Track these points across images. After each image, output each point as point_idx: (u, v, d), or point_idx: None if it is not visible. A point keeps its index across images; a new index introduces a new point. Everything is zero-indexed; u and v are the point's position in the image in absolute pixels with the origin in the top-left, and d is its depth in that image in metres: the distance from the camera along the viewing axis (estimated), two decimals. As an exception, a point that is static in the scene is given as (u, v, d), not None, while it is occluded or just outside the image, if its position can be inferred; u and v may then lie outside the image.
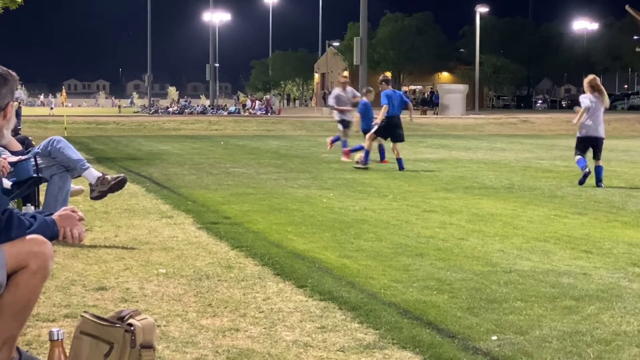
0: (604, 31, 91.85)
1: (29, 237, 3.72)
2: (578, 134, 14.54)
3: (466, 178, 15.21)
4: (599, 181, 13.82)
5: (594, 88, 14.44)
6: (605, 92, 14.61)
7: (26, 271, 3.66)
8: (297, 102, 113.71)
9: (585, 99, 14.28)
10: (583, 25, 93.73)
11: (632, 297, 5.88)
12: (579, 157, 14.19)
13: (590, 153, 14.12)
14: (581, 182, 13.81)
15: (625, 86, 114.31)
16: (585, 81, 14.72)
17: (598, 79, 14.99)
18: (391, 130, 17.62)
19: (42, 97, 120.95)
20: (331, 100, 20.89)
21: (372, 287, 6.15)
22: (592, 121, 14.22)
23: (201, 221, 9.35)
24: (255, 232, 8.73)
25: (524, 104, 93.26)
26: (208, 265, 6.93)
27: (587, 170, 13.81)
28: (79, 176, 8.10)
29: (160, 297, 5.84)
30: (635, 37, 70.03)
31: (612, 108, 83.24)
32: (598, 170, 13.98)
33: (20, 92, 32.94)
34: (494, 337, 4.85)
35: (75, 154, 8.00)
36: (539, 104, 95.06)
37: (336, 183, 14.03)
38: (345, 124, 20.31)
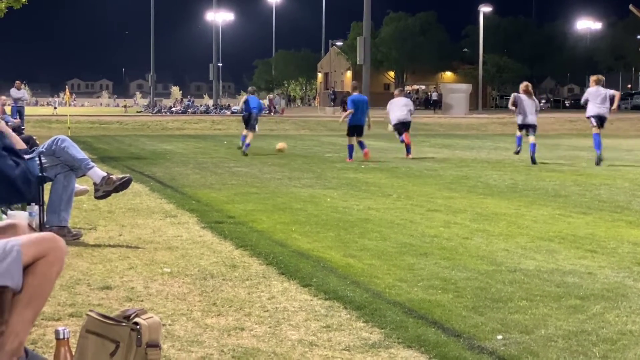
0: (607, 31, 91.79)
1: (45, 233, 3.80)
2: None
3: (470, 177, 15.20)
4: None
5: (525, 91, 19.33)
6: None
7: (44, 261, 3.68)
8: (298, 102, 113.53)
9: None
10: (586, 24, 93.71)
11: (637, 297, 5.87)
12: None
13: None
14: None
15: (629, 86, 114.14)
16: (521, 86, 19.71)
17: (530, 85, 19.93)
18: (356, 129, 19.84)
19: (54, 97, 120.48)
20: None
21: (377, 286, 6.15)
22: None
23: (205, 220, 9.36)
24: (259, 231, 8.73)
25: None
26: (212, 265, 6.93)
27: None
28: (83, 175, 8.10)
29: (165, 296, 5.83)
30: (638, 37, 69.99)
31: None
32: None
33: (24, 92, 32.89)
34: (500, 337, 4.84)
35: (79, 153, 8.00)
36: (542, 104, 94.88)
37: (340, 182, 14.03)
38: None
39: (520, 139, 19.50)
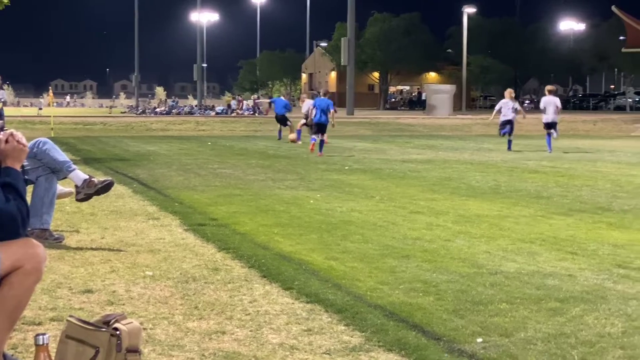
0: (590, 32, 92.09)
1: (23, 239, 3.76)
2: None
3: (453, 179, 15.25)
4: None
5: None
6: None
7: (21, 271, 3.67)
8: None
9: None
10: (570, 25, 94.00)
11: (616, 299, 5.91)
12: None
13: None
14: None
15: (612, 86, 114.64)
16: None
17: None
18: (320, 127, 22.55)
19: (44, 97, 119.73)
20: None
21: (359, 289, 6.17)
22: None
23: (188, 223, 9.35)
24: (242, 233, 8.74)
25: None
26: (195, 268, 6.94)
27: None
28: (65, 178, 8.08)
29: (146, 299, 5.84)
30: (621, 38, 70.16)
31: (598, 108, 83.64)
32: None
33: (3, 93, 32.68)
34: (480, 340, 4.87)
35: (61, 155, 7.99)
36: (526, 104, 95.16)
37: (323, 184, 14.05)
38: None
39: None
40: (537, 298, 5.91)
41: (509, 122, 24.56)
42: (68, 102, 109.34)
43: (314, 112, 22.90)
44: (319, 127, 22.50)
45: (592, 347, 4.75)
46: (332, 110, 22.77)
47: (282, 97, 33.08)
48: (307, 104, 28.80)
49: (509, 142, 24.97)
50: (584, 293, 6.08)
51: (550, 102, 24.12)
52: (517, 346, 4.75)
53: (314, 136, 22.58)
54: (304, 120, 29.13)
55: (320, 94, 24.43)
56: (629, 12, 47.30)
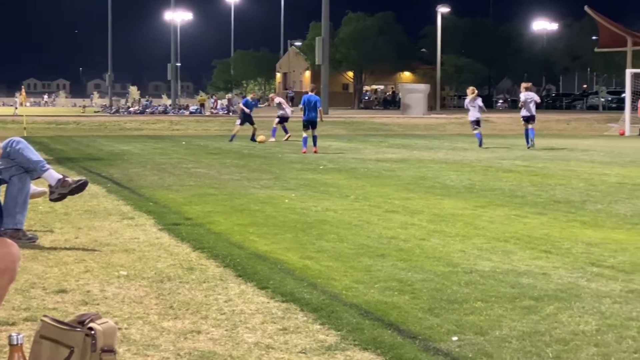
0: (563, 31, 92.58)
1: None
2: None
3: (428, 178, 15.28)
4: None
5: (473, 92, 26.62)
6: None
7: None
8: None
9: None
10: (543, 25, 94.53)
11: (590, 297, 5.94)
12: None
13: None
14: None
15: (585, 86, 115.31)
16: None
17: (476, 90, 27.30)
18: (309, 124, 23.10)
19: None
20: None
21: (334, 288, 6.17)
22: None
23: (163, 222, 9.32)
24: (217, 233, 8.72)
25: (485, 103, 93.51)
26: (169, 267, 6.91)
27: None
28: (39, 177, 8.03)
29: (121, 299, 5.81)
30: (594, 38, 70.59)
31: (571, 107, 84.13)
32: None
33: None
34: (455, 338, 4.88)
35: (34, 155, 7.94)
36: (499, 104, 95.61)
37: (298, 183, 14.04)
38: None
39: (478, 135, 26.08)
40: (512, 296, 5.93)
41: (478, 122, 26.53)
42: (46, 102, 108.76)
43: (286, 109, 24.58)
44: (309, 124, 22.97)
45: (566, 345, 4.77)
46: (320, 107, 23.40)
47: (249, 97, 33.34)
48: (277, 101, 30.89)
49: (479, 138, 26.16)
50: (558, 291, 6.11)
51: (529, 97, 25.61)
52: (492, 344, 4.77)
53: (304, 135, 22.96)
54: (278, 119, 30.27)
55: (309, 90, 24.75)
56: (601, 12, 47.63)
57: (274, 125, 30.17)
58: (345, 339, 4.87)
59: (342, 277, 6.57)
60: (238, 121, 30.50)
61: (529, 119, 25.61)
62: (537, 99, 26.13)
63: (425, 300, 5.81)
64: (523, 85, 26.64)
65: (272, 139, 28.85)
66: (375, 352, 4.64)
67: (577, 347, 4.75)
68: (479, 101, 26.74)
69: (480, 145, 25.65)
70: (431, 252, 7.72)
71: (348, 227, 9.16)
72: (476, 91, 27.37)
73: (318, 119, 23.36)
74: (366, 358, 4.57)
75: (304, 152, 22.36)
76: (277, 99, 31.49)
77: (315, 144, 22.91)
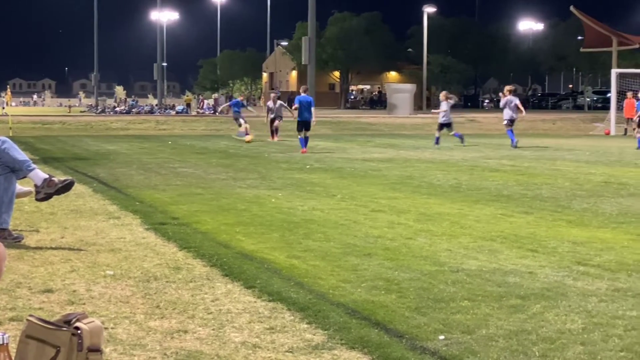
0: (549, 31, 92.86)
1: None
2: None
3: (414, 177, 15.30)
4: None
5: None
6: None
7: None
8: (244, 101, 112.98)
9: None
10: (529, 25, 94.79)
11: (576, 296, 5.96)
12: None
13: None
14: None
15: (570, 85, 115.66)
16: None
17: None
18: (303, 125, 23.16)
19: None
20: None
21: (321, 287, 6.17)
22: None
23: (149, 222, 9.30)
24: (203, 232, 8.71)
25: (472, 103, 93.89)
26: (156, 267, 6.90)
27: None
28: (24, 177, 8.00)
29: (107, 299, 5.79)
30: (579, 38, 70.79)
31: (557, 107, 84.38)
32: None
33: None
34: (442, 337, 4.89)
35: (20, 154, 7.91)
36: (486, 104, 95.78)
37: (285, 183, 14.04)
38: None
39: (438, 138, 26.82)
40: (499, 295, 5.94)
41: (446, 124, 27.17)
42: (35, 102, 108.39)
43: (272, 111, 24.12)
44: (303, 125, 23.04)
45: (552, 344, 4.78)
46: (313, 108, 23.37)
47: (239, 98, 33.26)
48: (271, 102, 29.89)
49: (441, 136, 27.10)
50: (545, 290, 6.12)
51: (512, 100, 26.27)
52: (479, 343, 4.78)
53: (300, 136, 23.09)
54: (272, 116, 29.58)
55: (301, 91, 24.47)
56: (586, 13, 47.76)
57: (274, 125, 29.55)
58: (332, 338, 4.87)
59: (328, 276, 6.56)
60: (241, 120, 30.06)
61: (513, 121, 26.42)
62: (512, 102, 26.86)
63: (412, 299, 5.81)
64: (507, 88, 27.31)
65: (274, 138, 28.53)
66: (362, 351, 4.64)
67: (564, 345, 4.76)
68: (447, 104, 27.31)
69: (461, 141, 26.57)
70: (418, 251, 7.73)
71: (335, 227, 9.16)
72: (449, 95, 28.27)
73: (312, 121, 23.37)
74: (353, 357, 4.57)
75: (304, 152, 22.24)
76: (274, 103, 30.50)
77: (305, 145, 22.95)
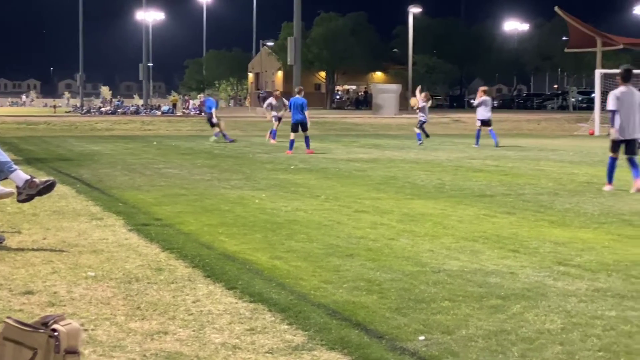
0: (534, 32, 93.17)
1: None
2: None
3: (398, 178, 15.32)
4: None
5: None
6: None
7: None
8: (230, 102, 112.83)
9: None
10: (514, 26, 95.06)
11: (556, 296, 5.99)
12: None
13: None
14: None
15: (555, 86, 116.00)
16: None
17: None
18: (298, 126, 23.10)
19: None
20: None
21: (302, 288, 6.18)
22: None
23: (132, 223, 9.29)
24: (186, 233, 8.70)
25: (457, 103, 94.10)
26: (138, 268, 6.89)
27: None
28: (6, 178, 7.98)
29: (88, 300, 5.79)
30: (564, 38, 71.01)
31: (542, 107, 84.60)
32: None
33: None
34: (422, 337, 4.91)
35: (2, 155, 7.90)
36: (472, 102, 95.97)
37: (269, 184, 14.04)
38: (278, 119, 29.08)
39: (419, 135, 27.87)
40: (479, 296, 5.97)
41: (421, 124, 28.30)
42: (24, 102, 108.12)
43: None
44: (297, 126, 23.03)
45: (531, 344, 4.81)
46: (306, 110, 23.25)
47: (211, 97, 33.08)
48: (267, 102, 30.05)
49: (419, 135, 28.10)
50: (525, 290, 6.15)
51: (487, 101, 27.23)
52: (459, 343, 4.80)
53: (292, 137, 22.98)
54: (273, 116, 29.34)
55: (295, 92, 24.43)
56: (571, 13, 47.91)
57: (274, 128, 28.91)
58: (312, 339, 4.88)
59: (310, 277, 6.58)
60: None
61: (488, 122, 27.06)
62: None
63: (393, 299, 5.83)
64: (482, 89, 28.03)
65: (273, 141, 28.01)
66: (342, 352, 4.66)
67: (542, 345, 4.79)
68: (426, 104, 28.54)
69: (420, 142, 27.41)
70: (400, 251, 7.75)
71: (318, 227, 9.17)
72: (429, 95, 29.78)
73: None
74: (333, 358, 4.58)
75: (289, 154, 22.05)
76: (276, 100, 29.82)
77: (307, 146, 23.02)
